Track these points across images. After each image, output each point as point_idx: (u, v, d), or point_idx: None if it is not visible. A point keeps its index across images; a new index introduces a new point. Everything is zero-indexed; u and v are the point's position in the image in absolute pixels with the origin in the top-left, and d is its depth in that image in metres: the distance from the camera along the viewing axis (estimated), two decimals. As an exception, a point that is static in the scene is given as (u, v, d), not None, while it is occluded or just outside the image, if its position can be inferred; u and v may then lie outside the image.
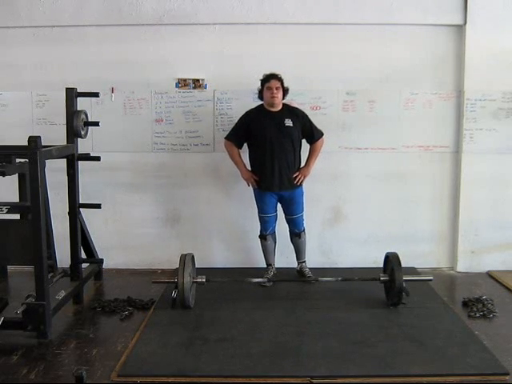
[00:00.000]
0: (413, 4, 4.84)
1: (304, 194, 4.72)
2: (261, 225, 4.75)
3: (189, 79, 5.01)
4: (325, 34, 4.92)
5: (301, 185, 4.66)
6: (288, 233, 4.81)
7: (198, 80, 5.00)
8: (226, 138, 4.68)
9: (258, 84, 4.82)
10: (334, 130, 4.94)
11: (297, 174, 4.61)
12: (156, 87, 5.01)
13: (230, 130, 4.70)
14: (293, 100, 4.71)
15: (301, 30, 4.92)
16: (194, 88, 5.01)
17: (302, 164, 4.68)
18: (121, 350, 3.43)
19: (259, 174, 4.59)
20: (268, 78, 4.47)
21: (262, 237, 4.76)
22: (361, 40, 4.91)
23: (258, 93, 4.58)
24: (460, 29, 4.93)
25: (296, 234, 4.76)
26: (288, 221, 4.75)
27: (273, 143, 4.48)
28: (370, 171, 5.08)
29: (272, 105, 4.51)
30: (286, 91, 4.54)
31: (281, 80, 4.49)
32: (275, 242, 4.80)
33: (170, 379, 3.09)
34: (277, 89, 4.45)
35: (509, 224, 5.05)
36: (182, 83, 5.01)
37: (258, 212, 4.73)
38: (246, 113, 4.64)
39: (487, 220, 5.04)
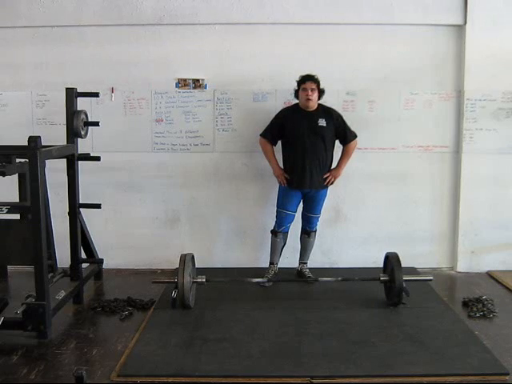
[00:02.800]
0: (413, 4, 4.84)
1: (327, 196, 4.74)
2: (277, 220, 4.74)
3: (189, 79, 5.01)
4: (325, 33, 4.92)
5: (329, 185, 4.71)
6: (291, 234, 4.82)
7: (198, 80, 5.00)
8: (261, 135, 4.69)
9: (258, 84, 4.85)
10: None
11: (327, 174, 4.64)
12: (156, 87, 5.01)
13: (265, 127, 4.68)
14: (293, 100, 4.70)
15: (301, 30, 4.92)
16: (194, 88, 5.01)
17: (334, 165, 4.71)
18: (121, 350, 3.43)
19: (290, 172, 4.62)
20: (304, 80, 4.49)
21: (274, 232, 4.76)
22: (361, 40, 4.92)
23: (294, 92, 4.60)
24: (460, 29, 4.93)
25: (307, 232, 4.78)
26: (304, 217, 4.78)
27: (305, 142, 4.51)
28: (369, 171, 5.08)
29: (307, 106, 4.53)
30: (321, 92, 4.56)
31: (317, 81, 4.51)
32: (285, 243, 4.80)
33: (170, 379, 3.09)
34: (312, 90, 4.47)
35: (509, 224, 5.05)
36: (182, 83, 5.01)
37: (278, 207, 4.72)
38: (282, 111, 4.67)
39: (487, 220, 5.04)
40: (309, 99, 4.48)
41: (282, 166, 4.70)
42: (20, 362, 3.27)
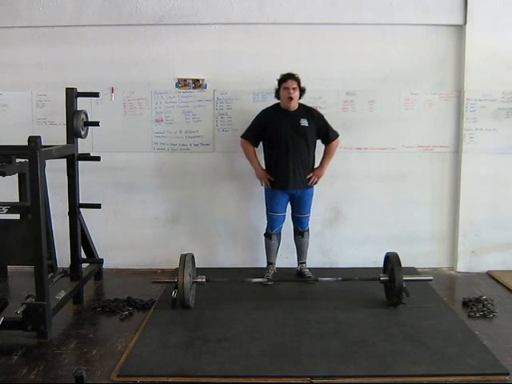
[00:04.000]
0: (413, 4, 4.84)
1: (314, 194, 4.73)
2: (268, 223, 4.76)
3: (189, 79, 5.01)
4: (325, 33, 4.92)
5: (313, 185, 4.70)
6: (290, 233, 4.83)
7: (198, 80, 5.00)
8: (242, 136, 4.68)
9: (258, 84, 4.84)
10: (333, 130, 4.95)
11: (311, 174, 4.63)
12: (156, 87, 5.00)
13: (245, 128, 4.68)
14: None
15: (301, 30, 4.92)
16: (194, 88, 5.01)
17: (316, 164, 4.71)
18: (121, 350, 3.43)
19: (274, 173, 4.61)
20: (285, 78, 4.47)
21: (267, 235, 4.77)
22: (361, 40, 4.92)
23: (275, 92, 4.58)
24: (460, 29, 4.93)
25: (300, 232, 4.78)
26: (294, 219, 4.78)
27: (288, 142, 4.50)
28: (369, 171, 5.08)
29: (288, 105, 4.51)
30: (302, 91, 4.55)
31: (298, 80, 4.49)
32: (279, 243, 4.81)
33: (170, 379, 3.09)
34: (293, 89, 4.46)
35: (509, 224, 5.04)
36: (182, 83, 5.01)
37: (267, 210, 4.74)
38: (262, 111, 4.65)
39: (487, 220, 5.04)
40: (291, 98, 4.46)
41: (264, 167, 4.69)
42: (20, 362, 3.27)
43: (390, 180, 5.09)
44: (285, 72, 4.50)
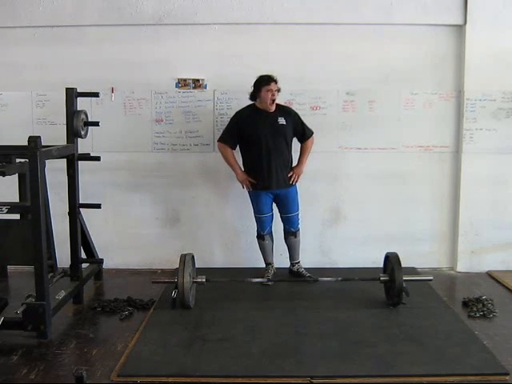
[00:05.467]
0: (412, 4, 4.84)
1: (298, 192, 4.73)
2: (257, 225, 4.76)
3: (189, 79, 5.01)
4: (325, 33, 4.92)
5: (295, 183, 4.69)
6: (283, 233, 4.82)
7: (198, 80, 5.00)
8: (218, 140, 4.69)
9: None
10: (333, 130, 4.95)
11: (291, 173, 4.63)
12: (156, 87, 5.01)
13: (221, 132, 4.69)
14: (293, 100, 4.71)
15: (301, 30, 4.92)
16: (194, 88, 5.01)
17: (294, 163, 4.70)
18: (121, 350, 3.43)
19: (255, 174, 4.60)
20: (269, 81, 4.47)
21: (260, 237, 4.78)
22: (361, 40, 4.91)
23: (251, 94, 4.56)
24: (460, 29, 4.93)
25: (291, 232, 4.76)
26: (283, 220, 4.76)
27: (268, 142, 4.50)
28: (369, 171, 5.08)
29: (270, 106, 4.51)
30: (279, 91, 4.56)
31: (277, 82, 4.51)
32: (273, 241, 4.81)
33: (170, 379, 3.09)
34: (276, 91, 4.48)
35: (509, 224, 5.05)
36: (182, 83, 5.01)
37: (254, 213, 4.75)
38: (237, 113, 4.64)
39: (487, 220, 5.04)
40: (274, 100, 4.48)
41: (243, 169, 4.68)
42: (20, 362, 3.27)
43: (390, 180, 5.09)
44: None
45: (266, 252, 4.80)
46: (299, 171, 4.68)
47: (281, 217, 4.77)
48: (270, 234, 4.78)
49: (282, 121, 4.53)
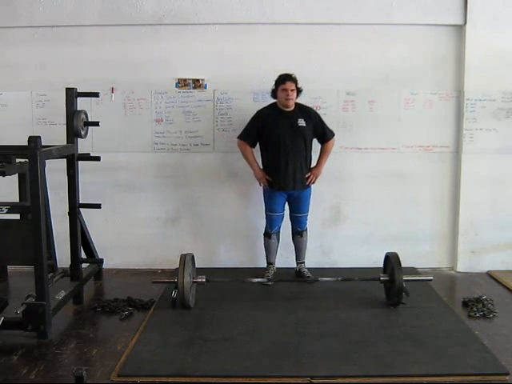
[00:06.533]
0: (412, 4, 4.84)
1: (312, 194, 4.73)
2: (267, 223, 4.76)
3: (189, 79, 5.01)
4: (325, 34, 4.92)
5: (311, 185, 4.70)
6: (289, 233, 4.83)
7: (198, 80, 5.00)
8: (238, 137, 4.68)
9: (258, 84, 4.85)
10: (334, 130, 4.93)
11: (308, 174, 4.63)
12: (156, 87, 5.00)
13: (242, 129, 4.67)
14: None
15: (301, 30, 4.92)
16: (194, 88, 5.01)
17: (313, 164, 4.71)
18: (121, 350, 3.43)
19: (272, 174, 4.60)
20: (284, 80, 4.46)
21: (267, 235, 4.77)
22: (361, 40, 4.91)
23: (272, 92, 4.57)
24: (460, 29, 4.93)
25: (298, 232, 4.77)
26: (292, 219, 4.77)
27: (286, 143, 4.50)
28: (370, 171, 5.08)
29: (286, 106, 4.52)
30: (300, 91, 4.55)
31: (296, 81, 4.49)
32: (278, 242, 4.81)
33: (170, 379, 3.09)
34: (292, 90, 4.46)
35: (509, 224, 5.04)
36: (182, 83, 5.01)
37: (266, 210, 4.74)
38: (259, 111, 4.63)
39: (487, 220, 5.04)
40: (288, 99, 4.46)
41: (262, 167, 4.69)
42: (20, 362, 3.27)
43: (390, 180, 5.09)
44: (283, 72, 4.50)
45: (269, 251, 4.80)
46: (317, 173, 4.68)
47: (290, 215, 4.78)
48: (278, 233, 4.78)
49: (301, 122, 4.52)
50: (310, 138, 4.60)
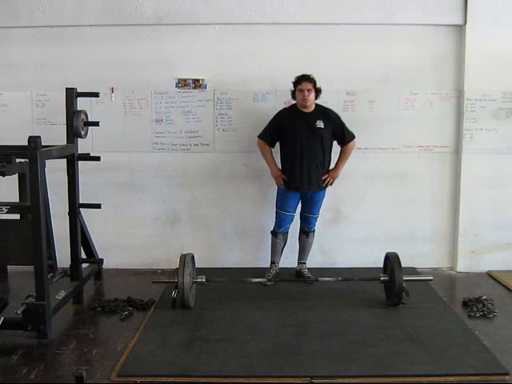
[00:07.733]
0: (413, 4, 4.84)
1: (326, 196, 4.74)
2: (276, 221, 4.75)
3: (189, 79, 5.01)
4: (325, 34, 4.92)
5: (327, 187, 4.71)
6: (291, 233, 4.82)
7: (197, 80, 5.00)
8: (258, 136, 4.69)
9: (258, 84, 4.85)
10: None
11: (326, 176, 4.63)
12: (156, 87, 5.00)
13: (262, 129, 4.67)
14: (292, 100, 4.70)
15: (301, 30, 4.92)
16: (194, 88, 5.01)
17: (332, 166, 4.71)
18: (121, 350, 3.43)
19: (288, 174, 4.60)
20: (300, 80, 4.47)
21: (274, 233, 4.77)
22: (361, 40, 4.91)
23: (291, 93, 4.58)
24: (460, 29, 4.93)
25: (305, 231, 4.78)
26: (302, 218, 4.77)
27: (303, 144, 4.50)
28: (370, 171, 5.08)
29: (304, 106, 4.52)
30: (318, 92, 4.54)
31: (313, 81, 4.49)
32: (285, 243, 4.81)
33: (170, 379, 3.09)
34: (308, 91, 4.45)
35: (509, 224, 5.04)
36: (182, 83, 5.01)
37: (277, 208, 4.73)
38: (279, 112, 4.65)
39: (487, 220, 5.04)
40: (305, 99, 4.47)
41: (280, 167, 4.70)
42: (20, 362, 3.27)
43: (390, 180, 5.09)
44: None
45: (274, 250, 4.79)
46: (335, 175, 4.69)
47: (300, 214, 4.78)
48: (285, 234, 4.77)
49: (320, 124, 4.52)
50: (327, 140, 4.59)
